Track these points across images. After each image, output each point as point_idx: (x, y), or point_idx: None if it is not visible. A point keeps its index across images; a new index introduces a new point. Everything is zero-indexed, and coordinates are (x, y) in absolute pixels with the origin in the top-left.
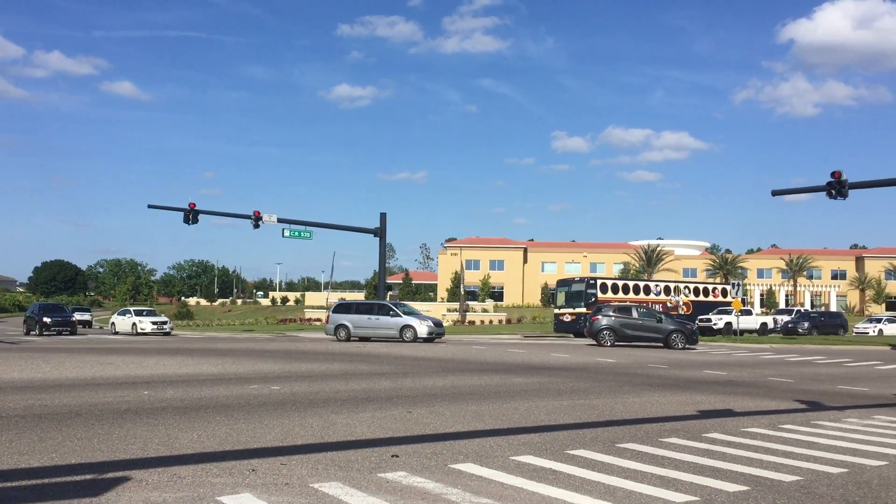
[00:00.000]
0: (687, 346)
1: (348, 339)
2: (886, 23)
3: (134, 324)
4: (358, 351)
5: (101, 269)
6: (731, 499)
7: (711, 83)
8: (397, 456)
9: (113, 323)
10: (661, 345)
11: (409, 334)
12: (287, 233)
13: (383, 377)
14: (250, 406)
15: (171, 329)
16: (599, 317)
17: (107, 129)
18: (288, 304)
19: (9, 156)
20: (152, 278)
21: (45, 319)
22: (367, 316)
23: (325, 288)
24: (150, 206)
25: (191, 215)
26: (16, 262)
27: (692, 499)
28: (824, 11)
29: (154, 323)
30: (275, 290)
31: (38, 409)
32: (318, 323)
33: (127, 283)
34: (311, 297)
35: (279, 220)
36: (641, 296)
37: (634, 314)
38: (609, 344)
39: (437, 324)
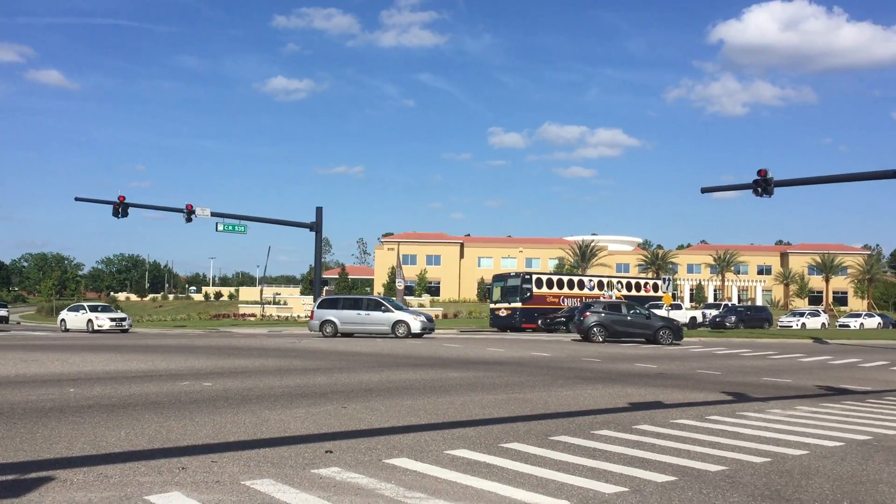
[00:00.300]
0: (673, 341)
1: (335, 335)
2: (812, 25)
3: (90, 320)
4: (292, 346)
5: (25, 264)
6: (660, 489)
7: (645, 81)
8: (331, 452)
9: (63, 319)
10: (646, 341)
11: (402, 330)
12: (221, 227)
13: (318, 373)
14: (181, 403)
15: (131, 326)
16: (589, 314)
17: (32, 119)
18: (222, 298)
19: None
20: (80, 273)
21: None
22: (356, 311)
23: (260, 283)
24: (77, 199)
25: (120, 208)
26: None
27: (622, 489)
28: (753, 13)
29: (113, 319)
30: (208, 284)
31: None
32: (252, 318)
33: (53, 277)
34: (246, 293)
35: (213, 214)
36: (576, 290)
37: (624, 311)
38: (600, 340)
39: (430, 319)
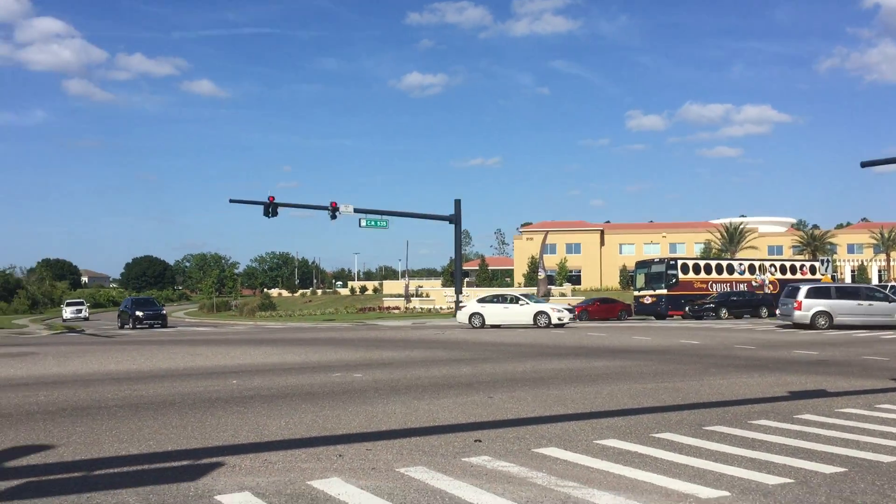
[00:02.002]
0: None
1: (829, 328)
2: None
3: (545, 313)
4: (436, 338)
5: (187, 264)
6: (828, 480)
7: (794, 53)
8: (480, 441)
9: (480, 313)
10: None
11: None
12: (364, 222)
13: (463, 363)
14: (334, 393)
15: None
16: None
17: (188, 128)
18: (367, 293)
19: (99, 157)
20: (236, 271)
21: (138, 313)
22: (855, 301)
23: (402, 276)
24: (231, 201)
25: (270, 208)
26: (109, 259)
27: (787, 481)
28: None
29: (561, 310)
30: (353, 279)
31: (135, 399)
32: (396, 311)
33: (212, 276)
34: (389, 286)
35: (355, 211)
36: (725, 275)
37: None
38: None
39: None
